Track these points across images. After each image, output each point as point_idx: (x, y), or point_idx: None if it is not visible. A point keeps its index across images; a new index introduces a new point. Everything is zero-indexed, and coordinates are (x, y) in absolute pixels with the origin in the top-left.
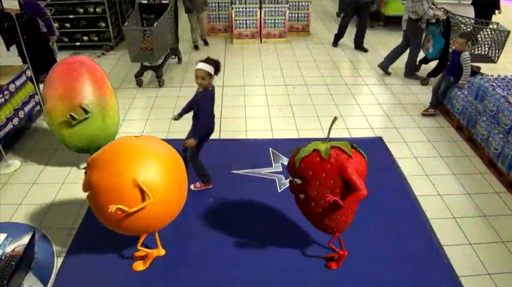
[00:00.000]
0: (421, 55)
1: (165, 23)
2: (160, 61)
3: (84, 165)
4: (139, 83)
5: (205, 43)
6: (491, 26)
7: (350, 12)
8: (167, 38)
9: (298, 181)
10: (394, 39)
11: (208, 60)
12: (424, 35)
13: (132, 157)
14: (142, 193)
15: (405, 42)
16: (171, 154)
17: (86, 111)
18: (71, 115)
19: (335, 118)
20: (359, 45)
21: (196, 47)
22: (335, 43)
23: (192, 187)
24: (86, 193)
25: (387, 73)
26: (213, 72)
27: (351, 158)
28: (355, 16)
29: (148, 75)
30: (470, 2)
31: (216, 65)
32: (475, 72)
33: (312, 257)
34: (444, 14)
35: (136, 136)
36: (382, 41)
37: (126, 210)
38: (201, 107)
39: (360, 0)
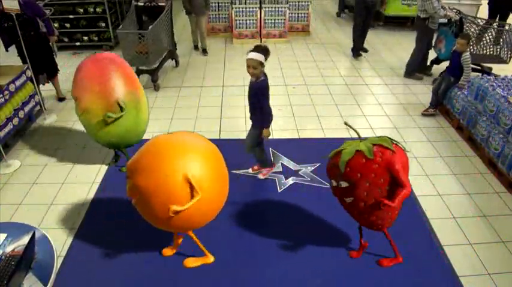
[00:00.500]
0: (434, 55)
1: (161, 26)
2: (156, 65)
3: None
4: None
5: (204, 52)
6: (507, 27)
7: (360, 15)
8: (163, 41)
9: (344, 184)
10: (394, 39)
11: (258, 49)
12: (432, 35)
13: (177, 155)
14: (192, 188)
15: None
16: (210, 147)
17: (122, 109)
18: (108, 115)
19: (346, 123)
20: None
21: (196, 47)
22: (356, 54)
23: (260, 176)
24: (132, 199)
25: (428, 74)
26: (264, 60)
27: (395, 153)
28: (346, 16)
29: (145, 78)
30: (483, 2)
31: (266, 52)
32: (487, 72)
33: (312, 257)
34: (457, 14)
35: (169, 133)
36: (382, 41)
37: (181, 209)
38: (261, 99)
39: (369, 0)
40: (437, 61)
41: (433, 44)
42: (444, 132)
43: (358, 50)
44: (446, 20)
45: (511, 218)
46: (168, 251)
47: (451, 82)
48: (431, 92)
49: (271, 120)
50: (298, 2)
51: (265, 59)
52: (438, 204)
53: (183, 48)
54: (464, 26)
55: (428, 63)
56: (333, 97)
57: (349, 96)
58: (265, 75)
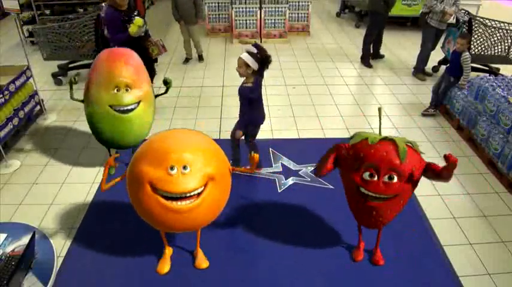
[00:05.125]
0: (441, 56)
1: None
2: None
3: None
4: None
5: (200, 58)
6: None
7: (377, 27)
8: (72, 43)
9: (394, 179)
10: (394, 39)
11: (251, 53)
12: (434, 33)
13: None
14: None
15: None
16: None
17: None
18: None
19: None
20: (377, 53)
21: (187, 60)
22: (368, 64)
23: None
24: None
25: (428, 75)
26: (251, 65)
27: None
28: (346, 16)
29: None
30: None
31: (260, 59)
32: (494, 73)
33: (312, 257)
34: (465, 15)
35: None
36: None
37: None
38: (242, 103)
39: (387, 13)
40: (445, 62)
41: (441, 45)
42: (444, 133)
43: (369, 60)
44: (455, 21)
45: (511, 218)
46: (164, 268)
47: (451, 82)
48: (431, 92)
49: (258, 124)
50: (298, 2)
51: (258, 66)
52: (438, 204)
53: (181, 57)
54: (473, 27)
55: (436, 64)
56: (332, 97)
57: (349, 96)
58: (256, 83)
